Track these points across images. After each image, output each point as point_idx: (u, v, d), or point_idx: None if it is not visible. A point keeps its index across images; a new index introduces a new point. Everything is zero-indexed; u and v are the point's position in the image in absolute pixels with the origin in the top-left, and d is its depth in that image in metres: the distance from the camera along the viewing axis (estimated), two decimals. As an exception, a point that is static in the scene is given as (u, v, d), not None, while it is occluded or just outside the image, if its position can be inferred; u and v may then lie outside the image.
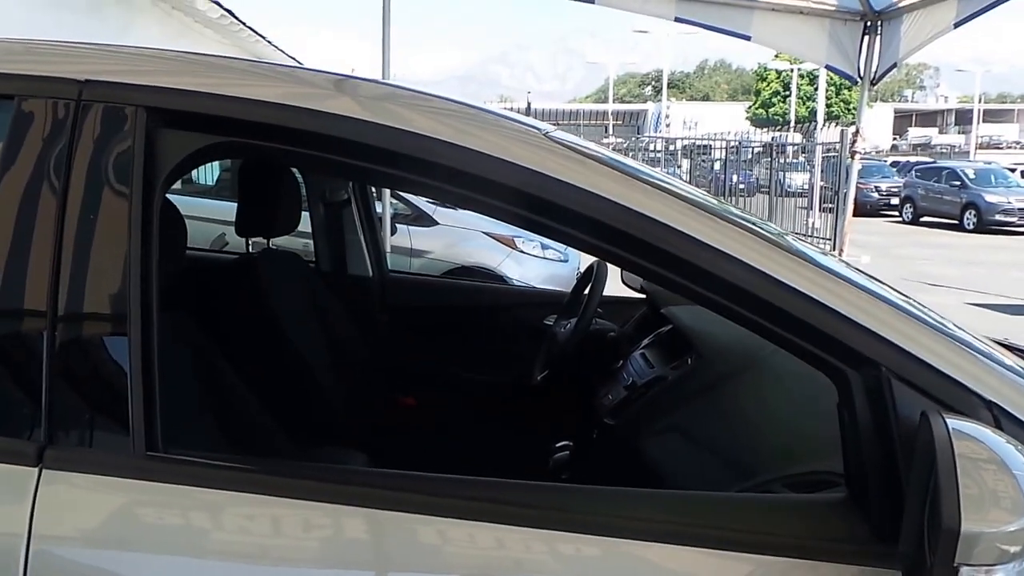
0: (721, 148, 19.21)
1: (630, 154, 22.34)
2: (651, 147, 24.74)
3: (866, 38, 4.75)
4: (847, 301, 0.99)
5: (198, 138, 1.06)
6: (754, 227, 1.08)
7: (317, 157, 1.12)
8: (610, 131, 40.00)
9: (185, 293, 1.46)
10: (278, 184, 1.99)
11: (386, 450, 2.04)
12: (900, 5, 4.52)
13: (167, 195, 1.17)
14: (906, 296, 1.24)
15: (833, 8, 4.73)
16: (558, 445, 2.04)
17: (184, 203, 1.80)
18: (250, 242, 2.08)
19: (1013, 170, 20.83)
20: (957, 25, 4.21)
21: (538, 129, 1.14)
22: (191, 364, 1.43)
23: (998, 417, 0.95)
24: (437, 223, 5.92)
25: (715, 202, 1.41)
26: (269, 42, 10.84)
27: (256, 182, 1.99)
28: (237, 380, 1.55)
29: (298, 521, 0.96)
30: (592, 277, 2.19)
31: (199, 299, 1.64)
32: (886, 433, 0.94)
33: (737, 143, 18.55)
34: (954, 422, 0.85)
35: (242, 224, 1.98)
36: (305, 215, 2.24)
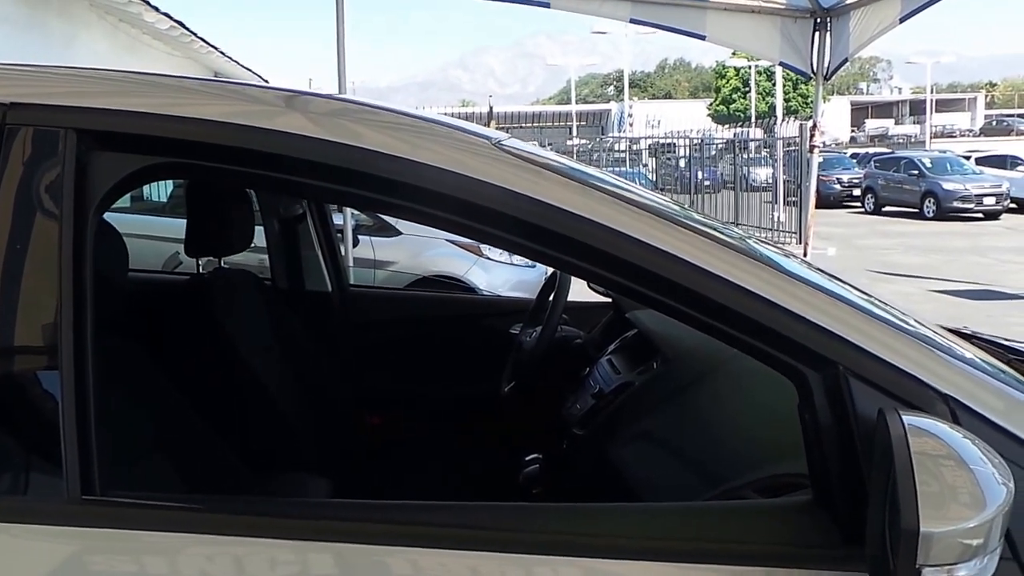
0: (685, 146, 19.35)
1: (595, 155, 22.42)
2: (616, 147, 24.87)
3: (817, 34, 4.83)
4: (801, 300, 0.99)
5: (134, 159, 1.02)
6: (712, 231, 1.08)
7: (265, 176, 1.09)
8: (574, 132, 40.14)
9: (132, 319, 1.41)
10: (229, 201, 1.94)
11: (352, 473, 2.00)
12: (847, 1, 4.60)
13: (108, 217, 1.14)
14: (862, 291, 1.24)
15: (783, 6, 4.80)
16: (528, 459, 2.02)
17: (135, 222, 1.75)
18: (203, 261, 2.03)
19: (968, 157, 21.30)
20: (903, 20, 4.31)
21: (487, 138, 1.12)
22: (139, 396, 1.38)
23: (954, 410, 0.95)
24: (400, 232, 5.86)
25: (675, 207, 1.40)
26: (222, 53, 10.69)
27: (206, 199, 1.94)
28: (190, 410, 1.50)
29: (262, 560, 0.92)
30: (556, 283, 2.17)
31: (148, 325, 1.60)
32: (846, 433, 0.93)
33: (700, 140, 18.69)
34: (910, 419, 0.85)
35: (192, 244, 1.93)
36: (260, 230, 2.20)
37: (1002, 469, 0.84)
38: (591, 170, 1.39)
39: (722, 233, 1.12)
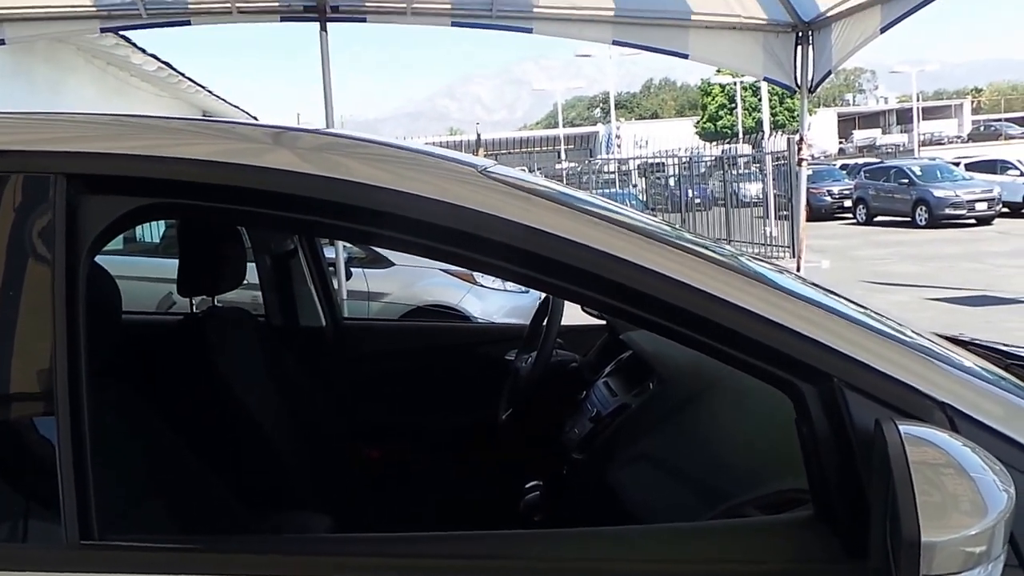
0: (674, 165, 19.44)
1: (584, 177, 22.47)
2: (605, 169, 24.96)
3: (799, 48, 4.85)
4: (794, 314, 0.99)
5: (124, 201, 1.03)
6: (703, 250, 1.08)
7: (256, 213, 1.09)
8: (563, 156, 40.31)
9: (127, 362, 1.41)
10: (220, 239, 1.95)
11: (352, 507, 1.98)
12: (828, 14, 4.63)
13: (100, 260, 1.14)
14: (855, 303, 1.24)
15: (764, 21, 4.83)
16: (528, 486, 2.00)
17: (129, 264, 1.75)
18: (196, 300, 2.03)
19: (957, 164, 21.42)
20: (883, 30, 4.33)
21: (474, 166, 1.12)
22: (135, 439, 1.37)
23: (952, 418, 0.95)
24: (393, 263, 5.86)
25: (665, 227, 1.41)
26: (210, 92, 10.80)
27: (197, 238, 1.94)
28: (187, 451, 1.49)
29: None
30: (549, 308, 2.17)
31: (143, 367, 1.59)
32: (845, 445, 0.93)
33: (689, 158, 18.78)
34: (907, 428, 0.84)
35: (185, 283, 1.93)
36: (252, 267, 2.20)
37: (1002, 475, 0.84)
38: (579, 193, 1.40)
39: (713, 251, 1.13)
